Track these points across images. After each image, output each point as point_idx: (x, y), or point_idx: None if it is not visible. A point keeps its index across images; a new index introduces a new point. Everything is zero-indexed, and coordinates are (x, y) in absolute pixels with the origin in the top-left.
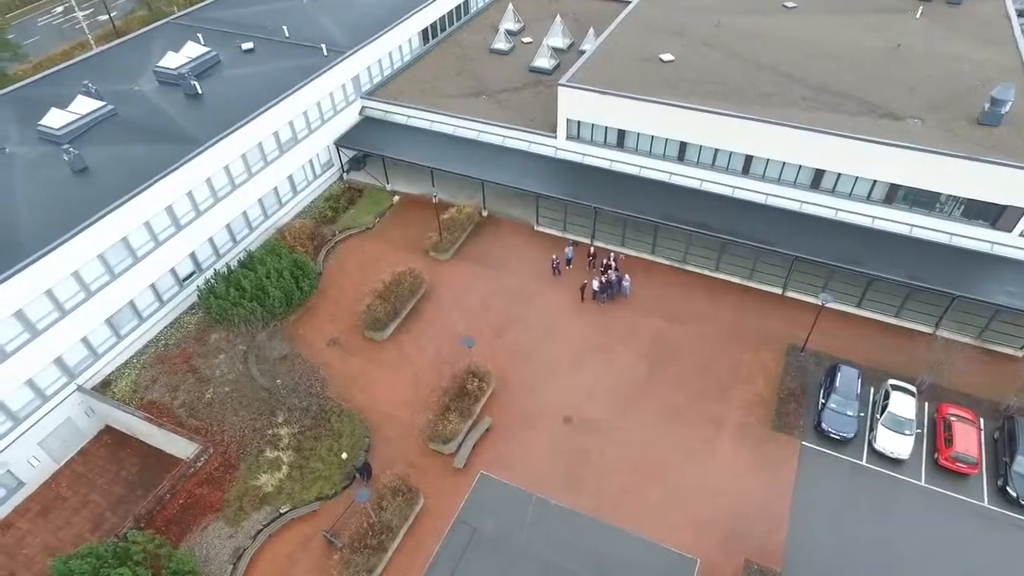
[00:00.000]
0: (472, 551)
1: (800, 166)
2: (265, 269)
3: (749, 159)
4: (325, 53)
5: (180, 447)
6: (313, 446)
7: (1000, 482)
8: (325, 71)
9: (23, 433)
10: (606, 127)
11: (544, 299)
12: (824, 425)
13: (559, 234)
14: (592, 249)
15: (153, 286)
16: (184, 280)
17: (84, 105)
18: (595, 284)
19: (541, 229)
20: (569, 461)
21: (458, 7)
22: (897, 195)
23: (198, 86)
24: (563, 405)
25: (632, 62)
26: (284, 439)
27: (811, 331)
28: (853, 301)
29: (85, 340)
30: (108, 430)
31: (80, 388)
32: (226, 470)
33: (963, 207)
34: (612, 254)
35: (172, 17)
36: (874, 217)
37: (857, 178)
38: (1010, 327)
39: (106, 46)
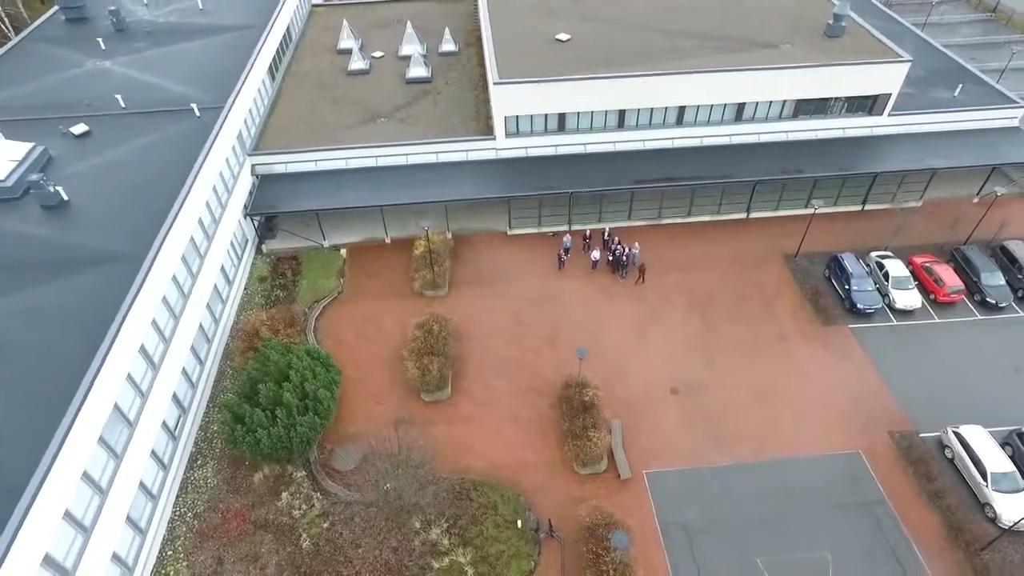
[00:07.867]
0: (697, 545)
1: (725, 104)
2: (298, 374)
3: (682, 110)
4: (198, 114)
5: None
6: (478, 531)
7: (978, 297)
8: (219, 131)
9: None
10: (546, 115)
11: (569, 294)
12: (859, 305)
13: (536, 231)
14: (588, 232)
15: (153, 451)
16: (174, 430)
17: None
18: (606, 257)
19: (516, 232)
20: (703, 424)
21: (284, 37)
22: (800, 108)
23: (62, 191)
24: (659, 380)
25: (536, 48)
26: (443, 541)
27: (804, 238)
28: (801, 203)
29: (115, 556)
30: None
31: None
32: None
33: (845, 105)
34: (607, 231)
35: None
36: (788, 131)
37: (771, 102)
38: (909, 185)
39: None
